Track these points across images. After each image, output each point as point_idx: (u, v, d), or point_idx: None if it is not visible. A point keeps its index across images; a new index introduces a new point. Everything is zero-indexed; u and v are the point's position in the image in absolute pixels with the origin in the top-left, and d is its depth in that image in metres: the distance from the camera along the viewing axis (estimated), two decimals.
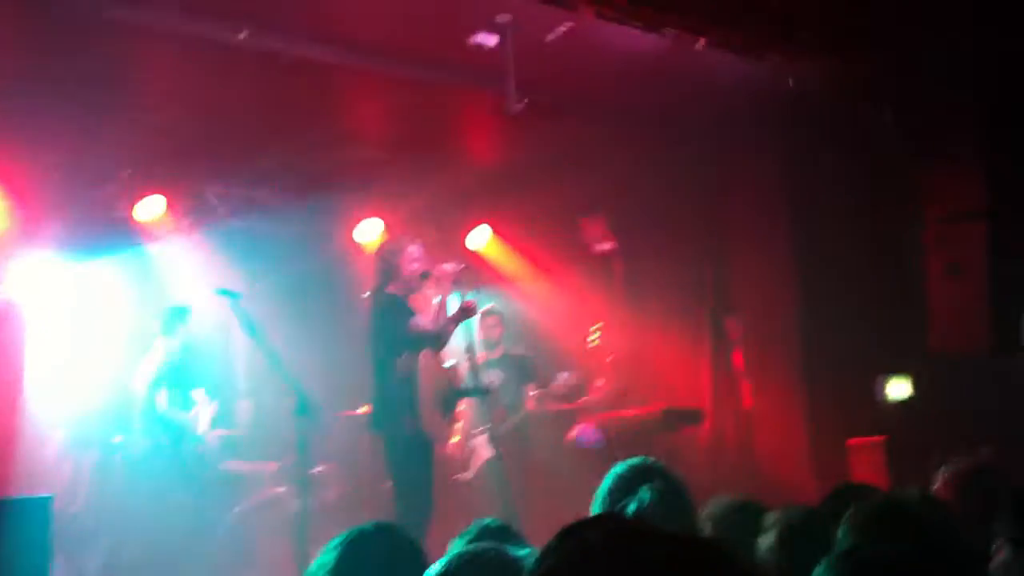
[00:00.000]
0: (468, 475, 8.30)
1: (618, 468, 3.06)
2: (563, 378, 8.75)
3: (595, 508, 3.00)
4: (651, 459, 3.15)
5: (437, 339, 6.64)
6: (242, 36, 7.00)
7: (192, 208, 8.87)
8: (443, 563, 2.53)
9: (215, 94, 7.44)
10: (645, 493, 2.92)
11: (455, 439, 8.30)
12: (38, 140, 7.30)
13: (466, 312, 6.63)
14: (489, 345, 8.55)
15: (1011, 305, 7.84)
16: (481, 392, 6.67)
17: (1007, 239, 8.13)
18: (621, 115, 8.59)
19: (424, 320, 6.63)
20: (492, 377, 8.12)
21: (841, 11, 7.33)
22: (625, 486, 2.96)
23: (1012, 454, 6.31)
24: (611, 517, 2.03)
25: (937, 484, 4.10)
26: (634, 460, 3.11)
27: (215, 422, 7.97)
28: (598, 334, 8.75)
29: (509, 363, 8.64)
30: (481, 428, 8.12)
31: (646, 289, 9.68)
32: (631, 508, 2.91)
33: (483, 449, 8.17)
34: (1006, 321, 7.80)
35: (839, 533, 2.84)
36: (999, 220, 8.19)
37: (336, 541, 2.62)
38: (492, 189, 9.47)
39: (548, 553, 1.63)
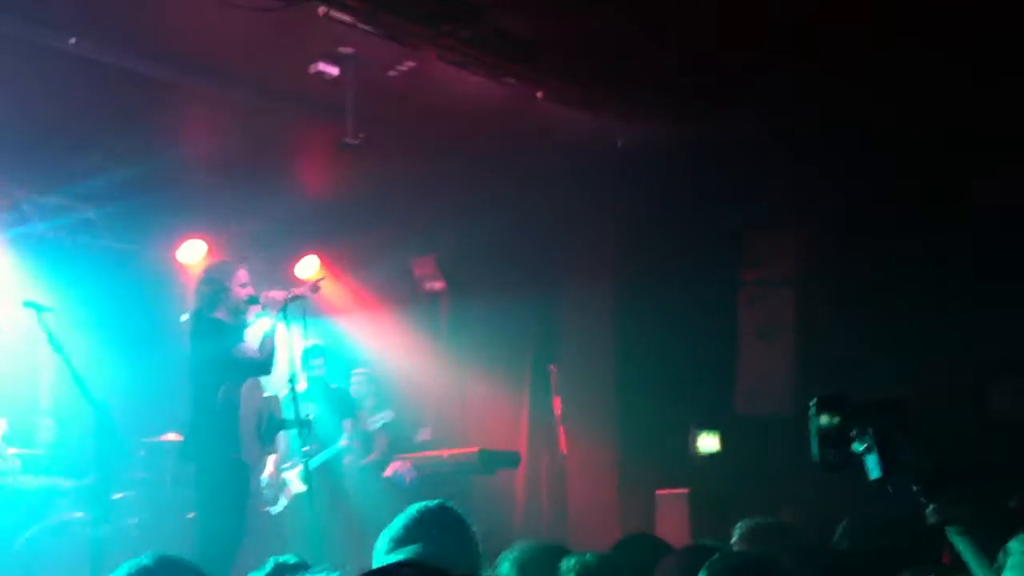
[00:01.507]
0: (277, 507, 8.11)
1: (408, 511, 3.05)
2: (382, 416, 8.69)
3: (376, 553, 2.99)
4: (446, 503, 3.13)
5: (264, 366, 6.47)
6: (71, 42, 6.77)
7: (3, 214, 8.44)
8: None
9: (37, 98, 7.14)
10: (413, 550, 2.91)
11: (268, 470, 8.10)
12: None
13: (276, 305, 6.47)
14: (310, 379, 8.42)
15: (816, 369, 8.27)
16: (302, 424, 6.52)
17: (815, 305, 8.59)
18: (457, 157, 8.68)
19: (251, 347, 6.46)
20: (309, 410, 8.00)
21: (674, 75, 7.64)
22: (404, 536, 2.95)
23: (809, 512, 6.62)
24: (405, 564, 2.05)
25: (734, 538, 4.26)
26: (428, 503, 3.10)
27: (10, 439, 7.54)
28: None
29: (328, 396, 8.53)
30: (293, 461, 7.97)
31: (472, 332, 9.76)
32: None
33: (295, 482, 8.01)
34: (811, 385, 8.20)
35: None
36: (809, 286, 8.65)
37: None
38: (324, 220, 9.38)
39: None
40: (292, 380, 6.54)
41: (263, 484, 8.01)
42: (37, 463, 7.70)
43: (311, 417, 6.81)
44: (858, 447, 2.87)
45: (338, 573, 2.82)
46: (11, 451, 7.52)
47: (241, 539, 6.26)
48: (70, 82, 7.13)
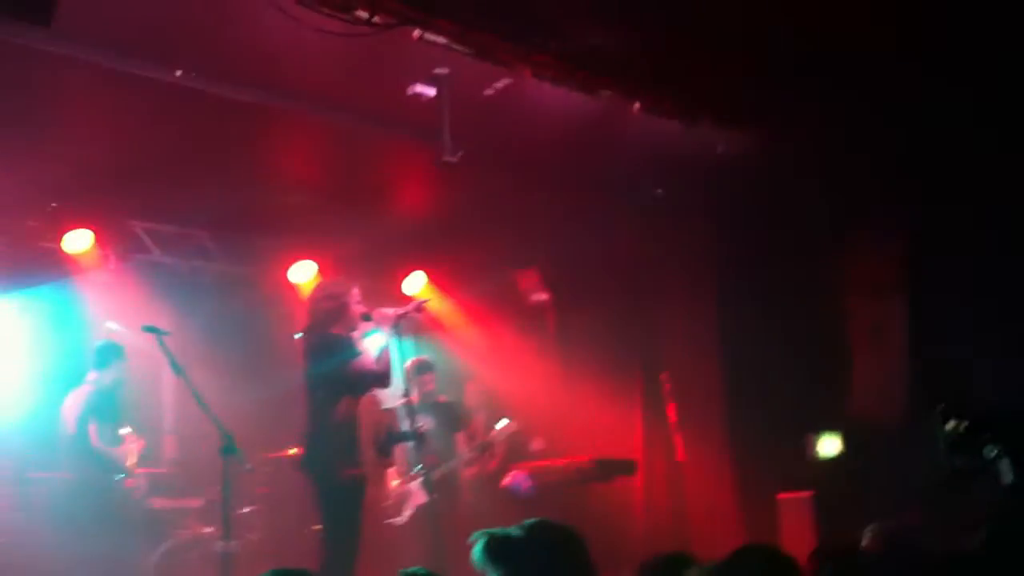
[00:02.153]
0: (401, 519, 8.21)
1: (509, 529, 3.10)
2: (499, 427, 8.73)
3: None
4: (554, 525, 3.18)
5: (383, 380, 6.59)
6: (177, 75, 7.00)
7: (121, 243, 8.76)
8: None
9: (148, 131, 7.39)
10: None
11: (394, 483, 8.24)
12: None
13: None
14: (423, 398, 8.54)
15: (931, 370, 8.08)
16: (415, 437, 6.62)
17: (928, 305, 8.40)
18: (555, 172, 8.72)
19: (369, 361, 6.59)
20: (424, 423, 8.12)
21: (774, 83, 7.59)
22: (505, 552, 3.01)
23: (932, 515, 6.47)
24: None
25: (866, 541, 4.22)
26: (530, 521, 3.14)
27: (142, 459, 7.82)
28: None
29: (438, 410, 8.63)
30: (414, 473, 8.09)
31: (578, 341, 9.79)
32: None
33: (417, 494, 8.12)
34: (927, 386, 8.03)
35: None
36: (919, 291, 8.47)
37: None
38: (427, 237, 9.50)
39: None
40: (406, 394, 6.65)
41: (387, 496, 8.16)
42: (166, 482, 7.96)
43: (425, 429, 6.91)
44: (989, 453, 2.83)
45: None
46: (140, 471, 7.79)
47: (357, 550, 6.36)
48: (177, 113, 7.37)
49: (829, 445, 8.55)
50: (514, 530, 2.98)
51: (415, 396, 8.18)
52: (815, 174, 8.38)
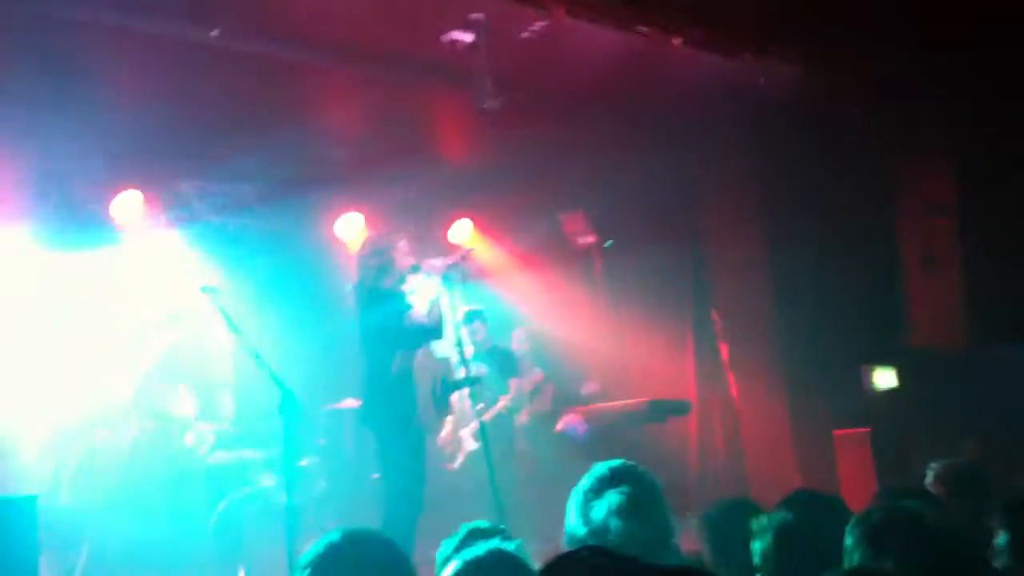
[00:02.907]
0: (455, 465, 8.33)
1: (596, 469, 3.10)
2: (535, 374, 8.78)
3: (570, 505, 3.05)
4: (630, 462, 3.18)
5: (436, 332, 6.63)
6: (214, 34, 7.02)
7: (169, 203, 8.85)
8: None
9: (190, 91, 7.43)
10: (613, 496, 2.96)
11: (445, 430, 8.33)
12: (13, 135, 7.26)
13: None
14: (472, 343, 8.59)
15: (985, 297, 7.97)
16: (473, 381, 6.67)
17: (979, 232, 8.27)
18: (598, 112, 8.65)
19: (421, 313, 6.63)
20: (478, 370, 8.18)
21: (816, 11, 7.44)
22: (596, 489, 3.00)
23: (993, 447, 6.42)
24: (595, 551, 2.06)
25: (929, 480, 4.19)
26: (613, 462, 3.14)
27: (202, 416, 7.97)
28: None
29: (491, 357, 8.68)
30: (468, 420, 8.18)
31: (627, 283, 9.77)
32: (600, 510, 2.95)
33: (469, 440, 8.22)
34: (981, 313, 7.92)
35: (847, 542, 2.86)
36: (970, 213, 8.32)
37: (305, 558, 2.51)
38: (471, 185, 9.50)
39: None
40: (459, 344, 6.68)
41: (441, 444, 8.26)
42: (226, 437, 8.10)
43: (478, 375, 6.95)
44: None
45: (519, 541, 2.88)
46: (204, 427, 7.94)
47: (422, 499, 6.44)
48: (219, 73, 7.40)
49: (885, 379, 8.48)
50: None
51: (468, 345, 8.26)
52: (862, 101, 8.24)
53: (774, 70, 8.26)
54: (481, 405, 6.79)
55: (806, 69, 8.17)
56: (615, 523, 2.92)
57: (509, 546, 2.76)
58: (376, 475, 6.83)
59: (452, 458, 8.34)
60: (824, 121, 8.39)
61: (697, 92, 8.45)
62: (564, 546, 3.00)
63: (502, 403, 8.35)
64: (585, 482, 3.07)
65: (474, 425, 7.84)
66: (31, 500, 5.56)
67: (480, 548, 2.67)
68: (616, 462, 3.14)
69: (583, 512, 2.99)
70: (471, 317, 8.65)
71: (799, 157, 8.76)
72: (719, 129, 9.08)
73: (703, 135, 9.16)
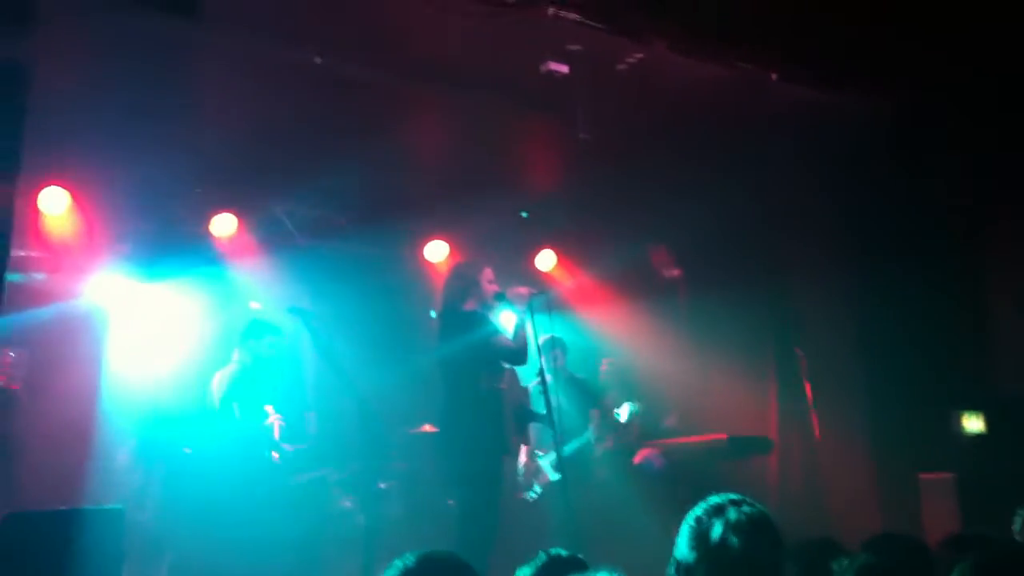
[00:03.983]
0: (532, 495, 8.30)
1: (710, 497, 3.09)
2: (627, 409, 8.70)
3: (683, 531, 3.02)
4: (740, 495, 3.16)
5: (520, 356, 6.64)
6: (317, 60, 7.16)
7: (263, 226, 9.03)
8: None
9: (285, 114, 7.58)
10: (732, 513, 2.94)
11: (523, 458, 8.31)
12: (111, 157, 7.47)
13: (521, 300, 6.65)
14: (552, 371, 8.57)
15: None
16: (549, 416, 6.64)
17: None
18: (688, 144, 8.61)
19: (507, 338, 6.65)
20: (556, 401, 8.16)
21: (914, 43, 7.32)
22: (713, 510, 2.98)
23: None
24: None
25: (1017, 527, 4.07)
26: (728, 493, 3.13)
27: (285, 436, 8.07)
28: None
29: (572, 386, 8.64)
30: (546, 449, 8.16)
31: (711, 317, 9.67)
32: (718, 529, 2.93)
33: (547, 470, 8.20)
34: None
35: None
36: None
37: None
38: (559, 214, 9.52)
39: None
40: (541, 372, 6.68)
41: (519, 473, 8.24)
42: (307, 457, 8.20)
43: (559, 408, 6.90)
44: None
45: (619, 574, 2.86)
46: (285, 446, 8.05)
47: (496, 526, 6.42)
48: (315, 98, 7.54)
49: (972, 423, 8.24)
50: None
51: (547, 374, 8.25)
52: (958, 144, 8.07)
53: (870, 104, 8.13)
54: (560, 436, 6.74)
55: (906, 108, 8.04)
56: (734, 541, 2.90)
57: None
58: (452, 501, 6.83)
59: (528, 487, 8.32)
60: (917, 157, 8.23)
61: (788, 124, 8.37)
62: (670, 574, 2.98)
63: (585, 436, 8.29)
64: (698, 508, 3.05)
65: (553, 455, 7.82)
66: (119, 512, 5.71)
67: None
68: (730, 493, 3.12)
69: (694, 536, 2.97)
70: (551, 345, 8.65)
71: (890, 193, 8.60)
72: (809, 162, 8.96)
73: (793, 168, 9.05)
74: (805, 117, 8.23)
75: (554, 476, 7.98)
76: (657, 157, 8.74)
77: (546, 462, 8.22)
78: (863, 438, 8.76)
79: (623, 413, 8.51)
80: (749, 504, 3.02)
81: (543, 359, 6.71)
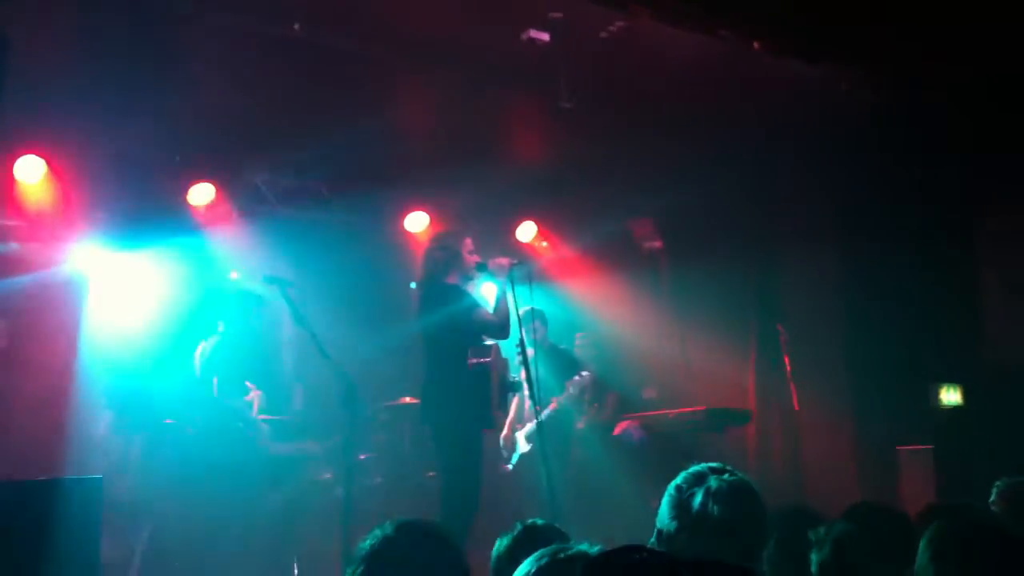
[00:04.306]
0: (509, 466, 8.31)
1: (691, 467, 3.09)
2: (575, 381, 8.65)
3: (664, 500, 3.03)
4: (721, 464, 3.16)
5: (502, 329, 6.62)
6: (295, 28, 7.08)
7: (241, 196, 8.97)
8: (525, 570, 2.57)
9: (264, 84, 7.51)
10: (713, 481, 2.95)
11: (504, 431, 8.31)
12: (89, 127, 7.40)
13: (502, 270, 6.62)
14: (532, 343, 8.55)
15: None
16: (529, 387, 6.63)
17: None
18: (673, 116, 8.58)
19: (488, 311, 6.62)
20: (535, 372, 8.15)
21: (902, 20, 7.28)
22: (694, 479, 2.98)
23: None
24: (639, 549, 2.11)
25: (993, 497, 4.11)
26: (709, 462, 3.13)
27: (264, 408, 8.05)
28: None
29: (551, 357, 8.64)
30: (525, 420, 8.17)
31: (692, 290, 9.69)
32: (698, 497, 2.93)
33: (524, 441, 8.21)
34: None
35: (921, 551, 2.83)
36: None
37: (360, 552, 2.53)
38: (540, 185, 9.49)
39: None
40: (521, 343, 6.66)
41: (500, 444, 8.25)
42: (287, 428, 8.19)
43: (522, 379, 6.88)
44: None
45: (599, 547, 2.85)
46: (262, 418, 8.03)
47: (478, 500, 6.42)
48: (293, 67, 7.47)
49: (951, 396, 8.30)
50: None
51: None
52: (943, 113, 8.06)
53: (857, 78, 8.10)
54: (538, 407, 6.73)
55: (889, 79, 8.01)
56: (715, 509, 2.90)
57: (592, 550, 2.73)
58: (432, 473, 6.84)
59: (509, 458, 8.33)
60: (906, 133, 8.22)
61: (774, 98, 8.34)
62: (652, 544, 2.98)
63: (554, 404, 8.27)
64: (679, 478, 3.05)
65: (530, 426, 7.83)
66: (96, 481, 5.68)
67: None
68: (712, 462, 3.12)
69: (676, 505, 2.97)
70: (530, 316, 8.62)
71: (878, 169, 8.60)
72: (795, 136, 8.95)
73: (778, 142, 9.04)
74: (790, 91, 8.20)
75: (529, 447, 8.00)
76: (641, 128, 8.70)
77: (524, 432, 8.23)
78: (842, 410, 8.82)
79: (574, 384, 8.43)
80: (730, 472, 3.02)
81: (523, 330, 6.70)
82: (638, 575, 2.07)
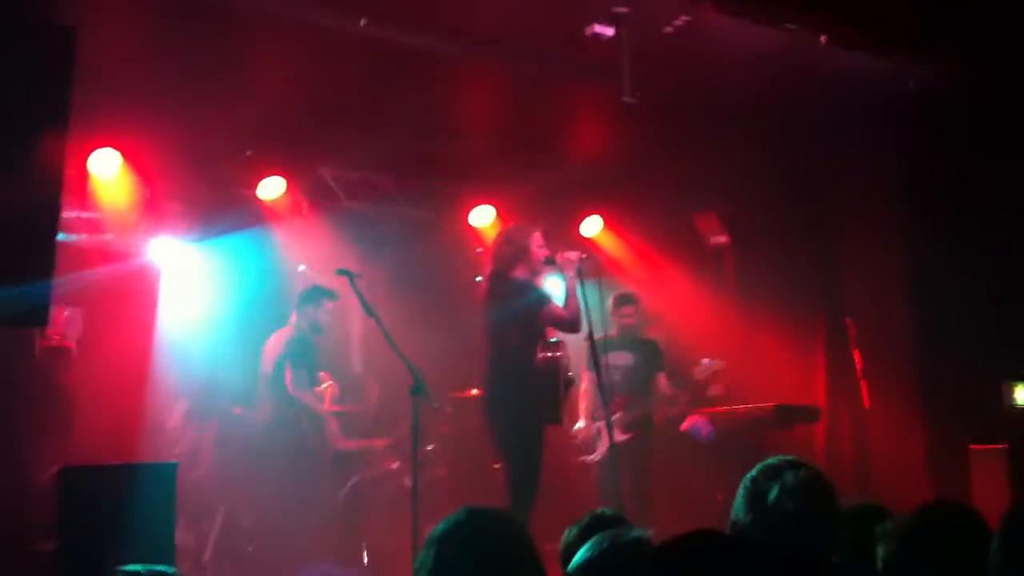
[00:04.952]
0: (595, 457, 8.23)
1: (767, 460, 3.10)
2: (704, 366, 8.54)
3: (739, 492, 3.04)
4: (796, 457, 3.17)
5: (573, 324, 6.63)
6: (361, 24, 7.16)
7: (310, 189, 9.10)
8: (586, 554, 2.63)
9: (333, 79, 7.60)
10: (789, 476, 2.95)
11: (579, 423, 8.25)
12: (162, 121, 7.54)
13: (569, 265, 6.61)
14: (623, 332, 8.46)
15: None
16: (599, 379, 6.60)
17: None
18: (737, 110, 8.53)
19: (558, 305, 6.63)
20: (623, 360, 8.10)
21: (967, 12, 7.17)
22: (770, 472, 2.99)
23: None
24: (710, 534, 2.13)
25: None
26: (784, 456, 3.14)
27: (335, 400, 8.16)
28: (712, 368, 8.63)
29: (641, 347, 8.53)
30: (600, 413, 8.13)
31: (758, 285, 9.61)
32: (774, 491, 2.94)
33: (605, 435, 8.17)
34: None
35: (995, 549, 2.81)
36: None
37: (434, 535, 2.58)
38: (605, 179, 9.48)
39: None
40: (590, 335, 6.66)
41: (578, 436, 8.20)
42: (354, 422, 8.29)
43: (572, 376, 6.83)
44: None
45: (646, 533, 2.89)
46: (333, 410, 8.13)
47: (535, 491, 6.43)
48: (361, 62, 7.56)
49: None
50: None
51: (614, 331, 8.19)
52: (1016, 109, 7.91)
53: (926, 72, 7.98)
54: (622, 398, 6.72)
55: (960, 73, 7.88)
56: (791, 503, 2.91)
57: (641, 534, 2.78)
58: (497, 466, 6.88)
59: (590, 450, 8.24)
60: (976, 126, 8.07)
61: (843, 94, 8.25)
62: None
63: (650, 399, 8.21)
64: (754, 470, 3.06)
65: (615, 417, 7.73)
66: (171, 467, 5.83)
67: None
68: (787, 456, 3.13)
69: (751, 497, 2.99)
70: (622, 300, 8.52)
71: (946, 162, 8.45)
72: (862, 130, 8.84)
73: (847, 138, 8.94)
74: (859, 81, 8.10)
75: (617, 439, 7.98)
76: (705, 122, 8.66)
77: (600, 426, 8.19)
78: (913, 408, 8.68)
79: (700, 370, 8.37)
80: (806, 467, 3.02)
81: (610, 315, 6.61)
82: (724, 559, 2.09)
